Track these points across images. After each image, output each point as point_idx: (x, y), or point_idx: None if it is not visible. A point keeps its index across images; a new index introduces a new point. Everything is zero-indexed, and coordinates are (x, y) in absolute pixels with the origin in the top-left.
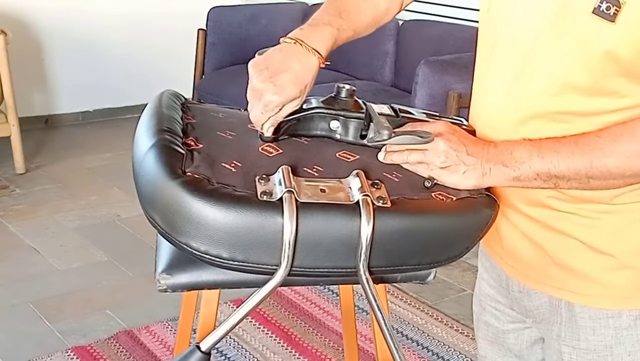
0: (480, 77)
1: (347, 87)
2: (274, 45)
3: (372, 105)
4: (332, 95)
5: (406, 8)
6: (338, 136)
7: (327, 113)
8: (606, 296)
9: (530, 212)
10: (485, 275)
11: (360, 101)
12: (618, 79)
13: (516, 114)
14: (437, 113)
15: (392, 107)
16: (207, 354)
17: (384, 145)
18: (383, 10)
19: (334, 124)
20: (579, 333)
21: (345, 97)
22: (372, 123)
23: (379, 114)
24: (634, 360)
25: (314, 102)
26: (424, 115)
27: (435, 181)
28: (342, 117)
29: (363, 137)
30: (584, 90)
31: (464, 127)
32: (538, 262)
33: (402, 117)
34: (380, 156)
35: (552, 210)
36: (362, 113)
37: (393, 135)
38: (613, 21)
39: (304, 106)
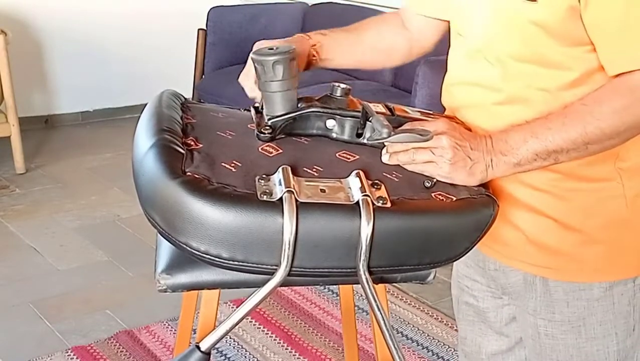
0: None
1: (343, 85)
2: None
3: (368, 103)
4: (328, 94)
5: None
6: (334, 135)
7: (323, 112)
8: (578, 270)
9: (508, 187)
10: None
11: (355, 100)
12: (553, 47)
13: (480, 92)
14: (432, 112)
15: (386, 106)
16: (207, 354)
17: (384, 143)
18: (389, 42)
19: (330, 123)
20: (554, 306)
21: (340, 96)
22: (368, 122)
23: (376, 113)
24: (605, 329)
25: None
26: (419, 114)
27: (435, 180)
28: (338, 116)
29: (359, 135)
30: (525, 59)
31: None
32: (514, 240)
33: (398, 115)
34: (385, 158)
35: (526, 187)
36: (358, 112)
37: (393, 133)
38: (535, 1)
39: (300, 105)
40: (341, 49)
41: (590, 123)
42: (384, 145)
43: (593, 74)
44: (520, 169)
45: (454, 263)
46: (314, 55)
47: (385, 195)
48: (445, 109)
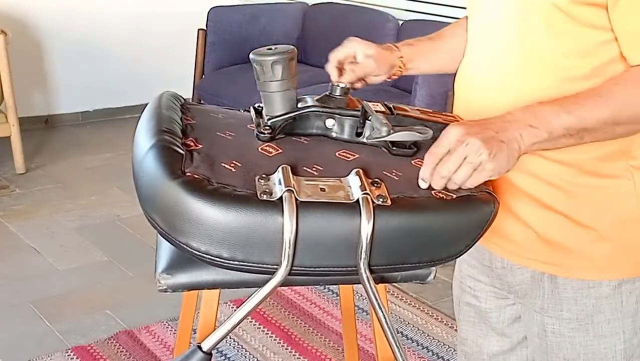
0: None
1: (342, 85)
2: (272, 44)
3: (367, 103)
4: (327, 93)
5: (406, 8)
6: (334, 134)
7: (322, 111)
8: (588, 268)
9: (518, 182)
10: (466, 255)
11: (354, 99)
12: (575, 31)
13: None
14: (431, 110)
15: (386, 105)
16: (209, 354)
17: (384, 142)
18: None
19: (330, 122)
20: (562, 304)
21: (339, 95)
22: (367, 121)
23: (375, 112)
24: (613, 327)
25: (309, 101)
26: (418, 112)
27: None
28: (337, 115)
29: (358, 134)
30: (546, 46)
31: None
32: (523, 237)
33: (397, 114)
34: (424, 184)
35: (537, 180)
36: (357, 111)
37: (392, 131)
38: None
39: (300, 105)
40: (425, 58)
41: (626, 105)
42: (384, 144)
43: (612, 64)
44: (548, 145)
45: (457, 263)
46: (400, 67)
47: (385, 193)
48: (446, 107)
